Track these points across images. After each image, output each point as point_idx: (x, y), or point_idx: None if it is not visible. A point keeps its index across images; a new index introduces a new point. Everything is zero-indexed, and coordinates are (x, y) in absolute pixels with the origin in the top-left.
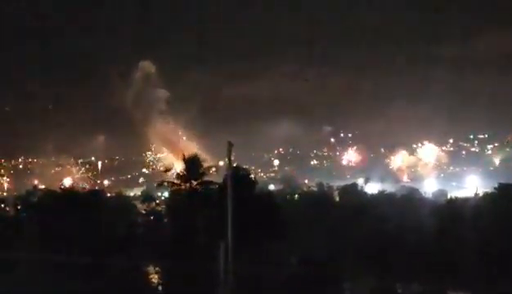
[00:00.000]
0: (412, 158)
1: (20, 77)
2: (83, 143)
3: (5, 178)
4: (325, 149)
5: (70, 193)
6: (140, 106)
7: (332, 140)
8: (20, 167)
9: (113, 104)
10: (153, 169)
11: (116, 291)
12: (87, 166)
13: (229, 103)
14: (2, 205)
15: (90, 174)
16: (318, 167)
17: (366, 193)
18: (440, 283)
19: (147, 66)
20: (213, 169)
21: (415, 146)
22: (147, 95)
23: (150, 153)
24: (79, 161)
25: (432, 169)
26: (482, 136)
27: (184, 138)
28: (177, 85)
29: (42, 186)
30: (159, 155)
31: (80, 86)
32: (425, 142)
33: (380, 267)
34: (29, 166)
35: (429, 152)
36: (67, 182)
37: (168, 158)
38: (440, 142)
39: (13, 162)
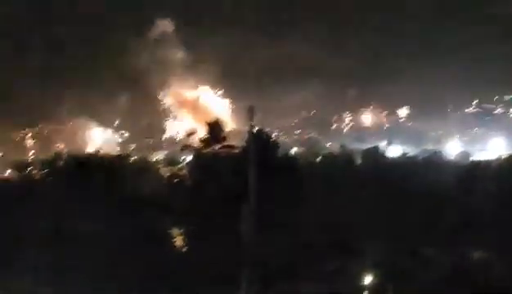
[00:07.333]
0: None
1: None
2: (103, 107)
3: (29, 142)
4: (348, 112)
5: (95, 157)
6: (157, 68)
7: (354, 102)
8: (45, 132)
9: (129, 66)
10: (176, 133)
11: (142, 251)
12: (113, 131)
13: (251, 66)
14: (29, 169)
15: (115, 138)
16: (340, 130)
17: (387, 156)
18: (458, 245)
19: (165, 25)
20: (236, 133)
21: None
22: (164, 56)
23: (171, 117)
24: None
25: (454, 131)
26: (507, 98)
27: (205, 102)
28: (196, 47)
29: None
30: (180, 119)
31: (94, 48)
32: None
33: (399, 230)
34: (53, 132)
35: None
36: (92, 146)
37: (189, 122)
38: (463, 104)
39: (37, 129)
